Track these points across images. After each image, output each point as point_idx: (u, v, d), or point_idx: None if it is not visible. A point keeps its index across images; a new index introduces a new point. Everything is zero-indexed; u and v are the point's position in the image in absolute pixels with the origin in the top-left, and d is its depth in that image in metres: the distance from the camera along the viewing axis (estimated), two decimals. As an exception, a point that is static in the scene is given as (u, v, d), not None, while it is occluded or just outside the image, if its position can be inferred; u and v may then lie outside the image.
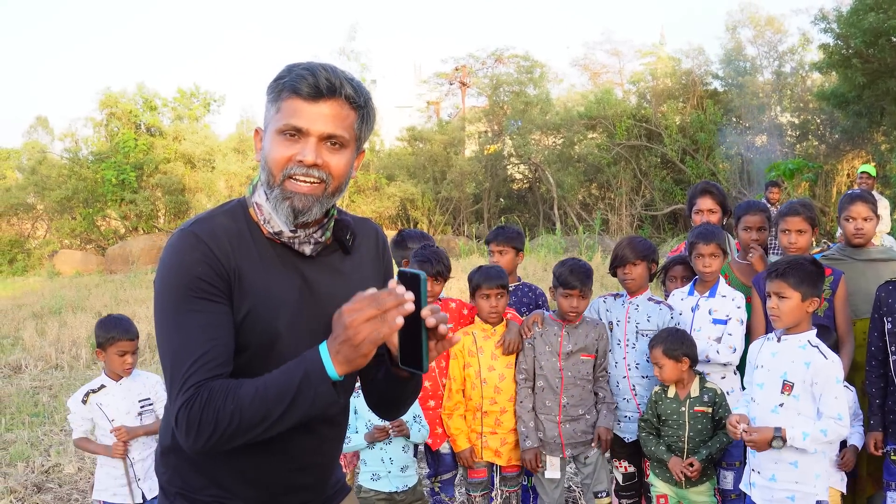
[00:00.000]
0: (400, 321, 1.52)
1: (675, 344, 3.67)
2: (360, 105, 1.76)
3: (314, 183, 1.72)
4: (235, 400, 1.59)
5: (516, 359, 3.97)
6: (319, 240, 1.82)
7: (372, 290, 1.56)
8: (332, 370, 1.57)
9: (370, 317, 1.52)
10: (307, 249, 1.81)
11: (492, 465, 4.06)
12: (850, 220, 3.98)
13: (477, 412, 3.98)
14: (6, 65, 62.85)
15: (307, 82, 1.68)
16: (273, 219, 1.77)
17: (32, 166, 23.36)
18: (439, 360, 4.06)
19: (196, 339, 1.65)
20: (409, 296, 1.54)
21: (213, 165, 22.07)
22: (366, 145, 1.91)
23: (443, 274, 4.02)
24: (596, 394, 3.97)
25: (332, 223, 1.86)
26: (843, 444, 3.61)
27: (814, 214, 3.98)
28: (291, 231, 1.78)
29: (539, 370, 3.90)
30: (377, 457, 3.72)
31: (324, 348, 1.59)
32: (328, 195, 1.76)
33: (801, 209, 3.93)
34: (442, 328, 1.59)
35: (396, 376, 1.84)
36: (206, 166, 22.17)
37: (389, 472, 3.72)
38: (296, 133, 1.71)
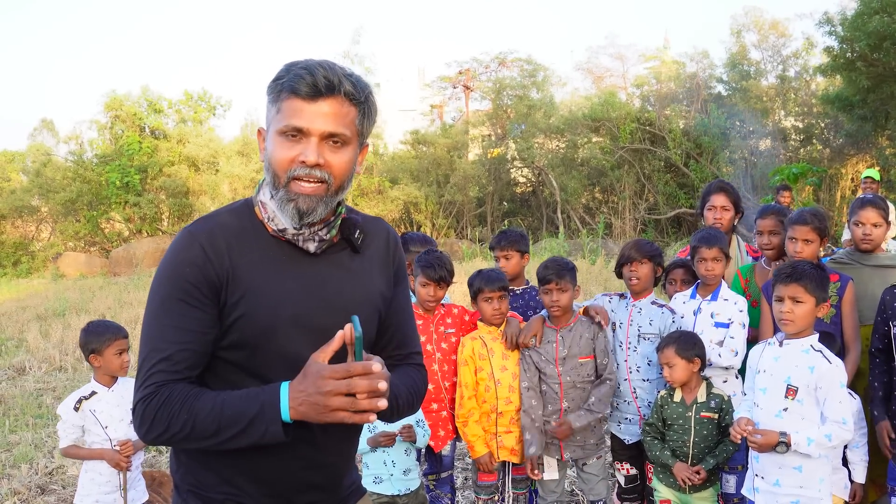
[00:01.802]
0: (372, 418, 1.63)
1: (687, 344, 3.67)
2: (361, 101, 1.77)
3: (316, 183, 1.74)
4: (191, 411, 1.66)
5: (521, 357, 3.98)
6: (325, 237, 1.84)
7: (350, 365, 1.61)
8: (286, 414, 1.63)
9: (343, 392, 1.59)
10: (311, 247, 1.83)
11: (504, 466, 4.07)
12: (860, 226, 3.95)
13: (492, 414, 3.98)
14: (12, 68, 63.10)
15: (305, 82, 1.70)
16: (277, 216, 1.79)
17: (37, 169, 23.38)
18: (442, 364, 4.07)
19: (169, 338, 1.71)
20: (383, 385, 1.60)
21: (217, 168, 22.09)
22: (369, 140, 1.91)
23: (445, 279, 4.02)
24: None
25: (339, 221, 1.87)
26: (846, 453, 3.60)
27: (824, 225, 3.93)
28: (295, 228, 1.80)
29: (542, 376, 3.91)
30: (379, 460, 3.72)
31: (285, 391, 1.64)
32: (331, 195, 1.77)
33: (811, 218, 3.89)
34: (373, 409, 1.63)
35: None
36: (211, 169, 22.20)
37: (392, 475, 3.72)
38: (297, 133, 1.72)
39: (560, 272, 3.84)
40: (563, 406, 3.88)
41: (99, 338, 3.79)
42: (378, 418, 2.04)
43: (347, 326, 1.65)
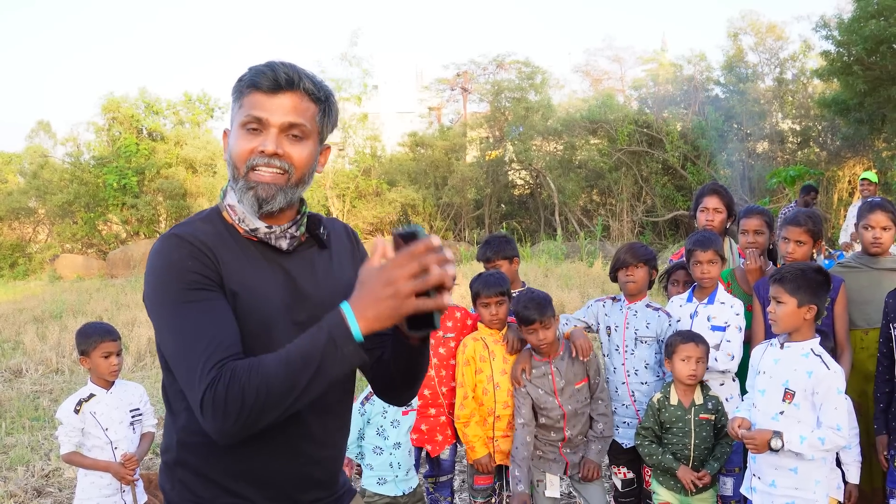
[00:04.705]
0: (448, 298, 1.55)
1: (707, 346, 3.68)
2: (321, 98, 1.81)
3: (276, 173, 1.77)
4: (260, 373, 1.57)
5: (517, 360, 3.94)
6: (294, 234, 1.87)
7: (411, 247, 1.55)
8: (357, 330, 1.57)
9: (414, 273, 1.52)
10: (284, 244, 1.85)
11: (500, 470, 4.06)
12: (869, 229, 3.94)
13: (489, 417, 3.97)
14: (9, 70, 63.06)
15: (266, 76, 1.75)
16: (247, 217, 1.81)
17: (34, 170, 23.37)
18: (439, 369, 4.06)
19: (203, 324, 1.65)
20: (449, 253, 1.55)
21: (214, 170, 22.08)
22: (330, 142, 1.94)
23: None
24: (593, 421, 3.90)
25: (306, 219, 1.90)
26: (839, 454, 3.61)
27: (818, 228, 3.93)
28: (267, 227, 1.82)
29: (541, 410, 3.85)
30: (385, 462, 3.72)
31: (347, 308, 1.58)
32: (291, 185, 1.80)
33: (805, 220, 3.90)
34: (448, 281, 1.57)
35: (406, 347, 1.83)
36: (208, 171, 22.18)
37: (397, 476, 3.73)
38: (257, 125, 1.76)
39: (541, 310, 3.72)
40: (567, 434, 3.84)
41: (87, 339, 3.77)
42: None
43: (383, 241, 1.63)
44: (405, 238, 1.59)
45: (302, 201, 1.90)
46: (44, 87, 71.15)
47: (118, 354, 3.82)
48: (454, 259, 1.56)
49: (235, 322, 1.71)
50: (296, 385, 1.57)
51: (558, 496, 3.94)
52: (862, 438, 3.70)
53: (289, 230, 1.85)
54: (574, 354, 3.85)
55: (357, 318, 1.56)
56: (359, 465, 4.05)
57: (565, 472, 3.90)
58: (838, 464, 3.63)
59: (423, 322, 1.61)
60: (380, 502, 3.72)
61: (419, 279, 1.52)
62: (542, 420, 3.85)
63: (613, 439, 4.04)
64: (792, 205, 11.07)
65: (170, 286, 1.69)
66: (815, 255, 4.15)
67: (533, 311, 3.71)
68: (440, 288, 1.56)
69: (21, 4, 78.56)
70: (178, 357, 1.67)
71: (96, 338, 3.76)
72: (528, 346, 3.92)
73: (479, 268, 4.62)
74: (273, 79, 1.74)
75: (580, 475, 3.88)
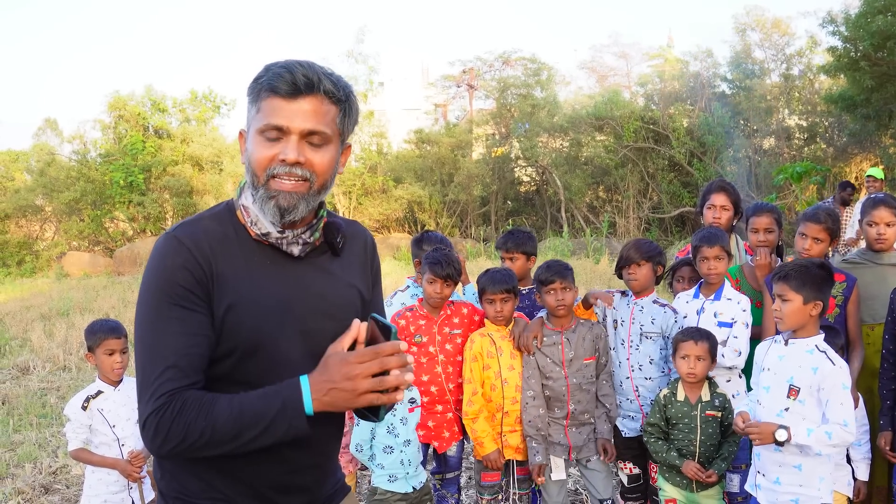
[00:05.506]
0: (400, 396, 1.64)
1: (714, 342, 3.68)
2: (341, 99, 1.76)
3: (297, 181, 1.73)
4: (209, 417, 1.62)
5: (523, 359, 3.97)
6: (308, 240, 1.83)
7: (378, 346, 1.64)
8: (310, 407, 1.64)
9: (375, 373, 1.61)
10: (295, 250, 1.82)
11: (507, 466, 4.07)
12: (873, 225, 3.94)
13: (497, 413, 3.98)
14: (17, 68, 63.27)
15: (284, 80, 1.69)
16: (260, 220, 1.78)
17: (41, 168, 23.41)
18: (446, 366, 4.07)
19: (171, 346, 1.67)
20: (410, 358, 1.64)
21: (220, 167, 22.12)
22: (351, 140, 1.90)
23: (452, 277, 4.02)
24: (598, 402, 3.97)
25: (322, 224, 1.87)
26: (849, 450, 3.60)
27: (837, 226, 3.92)
28: (279, 232, 1.79)
29: (545, 381, 3.90)
30: (396, 460, 3.73)
31: (305, 383, 1.64)
32: (313, 193, 1.76)
33: (825, 218, 3.89)
34: (403, 385, 1.65)
35: None
36: (214, 168, 22.23)
37: (408, 473, 3.74)
38: (277, 132, 1.71)
39: (562, 272, 3.88)
40: (571, 409, 3.89)
41: (93, 336, 3.79)
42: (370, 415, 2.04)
43: (359, 325, 1.70)
44: (380, 328, 1.69)
45: (321, 204, 1.86)
46: (50, 86, 71.43)
47: (122, 352, 3.82)
48: (412, 364, 1.66)
49: (208, 346, 1.71)
50: (239, 437, 1.63)
51: (564, 478, 3.97)
52: (870, 435, 3.70)
53: (302, 235, 1.82)
54: (600, 304, 3.99)
55: (313, 397, 1.64)
56: (363, 466, 4.06)
57: (569, 456, 3.94)
58: (848, 460, 3.62)
59: (371, 410, 1.70)
60: (391, 499, 3.73)
61: (377, 379, 1.61)
62: (547, 392, 3.91)
63: (618, 435, 4.05)
64: (829, 200, 10.95)
65: (156, 294, 1.70)
66: (829, 254, 4.13)
67: (553, 272, 3.87)
68: (395, 387, 1.65)
69: (24, 3, 78.79)
70: (139, 368, 1.70)
71: (101, 335, 3.78)
72: (541, 314, 3.98)
73: (485, 265, 4.63)
74: (291, 82, 1.68)
75: (599, 458, 3.93)
